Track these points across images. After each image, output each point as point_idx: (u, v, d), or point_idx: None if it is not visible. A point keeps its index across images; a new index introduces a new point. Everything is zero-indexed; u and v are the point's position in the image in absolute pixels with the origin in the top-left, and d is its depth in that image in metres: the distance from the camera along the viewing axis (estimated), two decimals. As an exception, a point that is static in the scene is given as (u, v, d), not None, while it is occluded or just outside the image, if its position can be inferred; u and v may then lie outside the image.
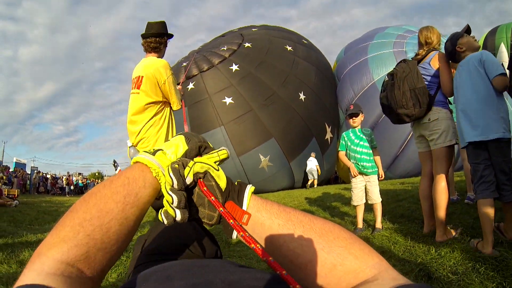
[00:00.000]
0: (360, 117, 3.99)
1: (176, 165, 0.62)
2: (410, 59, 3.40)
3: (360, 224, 3.83)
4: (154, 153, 0.67)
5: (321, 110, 12.38)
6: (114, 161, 4.64)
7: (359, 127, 4.02)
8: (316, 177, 12.12)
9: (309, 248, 0.58)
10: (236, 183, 0.68)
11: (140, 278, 0.61)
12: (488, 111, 2.58)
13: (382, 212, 3.82)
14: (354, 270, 0.55)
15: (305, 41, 15.11)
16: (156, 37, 3.21)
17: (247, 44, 12.63)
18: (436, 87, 3.16)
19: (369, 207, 3.91)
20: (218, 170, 0.65)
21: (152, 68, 3.06)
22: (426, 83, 3.16)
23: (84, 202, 0.59)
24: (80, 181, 27.75)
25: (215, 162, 0.69)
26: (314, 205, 6.20)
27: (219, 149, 0.73)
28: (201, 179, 0.63)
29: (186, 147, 0.70)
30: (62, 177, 27.47)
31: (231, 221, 0.59)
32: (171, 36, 3.38)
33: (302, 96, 11.89)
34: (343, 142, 4.05)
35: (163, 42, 3.28)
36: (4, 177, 12.97)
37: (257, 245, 0.55)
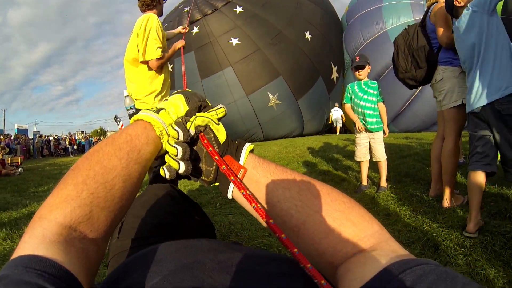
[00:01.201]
0: (367, 69, 3.76)
1: (180, 119, 0.63)
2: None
3: (364, 181, 3.75)
4: (157, 111, 0.65)
5: (327, 50, 12.31)
6: (116, 116, 4.64)
7: (366, 79, 3.79)
8: (341, 125, 14.26)
9: (304, 209, 0.55)
10: (236, 142, 0.68)
11: (125, 267, 0.60)
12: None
13: (387, 169, 3.74)
14: (352, 237, 0.52)
15: None
16: None
17: None
18: (438, 44, 2.97)
19: (373, 163, 3.82)
20: (218, 124, 0.65)
21: (138, 22, 3.12)
22: (432, 41, 2.99)
23: (87, 159, 0.56)
24: (82, 140, 27.62)
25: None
26: (317, 157, 6.15)
27: (217, 106, 0.72)
28: (202, 132, 0.64)
29: (187, 108, 0.68)
30: (65, 138, 27.44)
31: (232, 178, 0.60)
32: None
33: (308, 36, 11.78)
34: (348, 94, 3.87)
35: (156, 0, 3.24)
36: (6, 148, 12.79)
37: (258, 205, 0.57)
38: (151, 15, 3.12)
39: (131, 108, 3.25)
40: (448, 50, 2.89)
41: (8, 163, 10.62)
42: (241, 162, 0.63)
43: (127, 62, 3.22)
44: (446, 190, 2.87)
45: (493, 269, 1.81)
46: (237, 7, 11.49)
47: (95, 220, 0.52)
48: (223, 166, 0.61)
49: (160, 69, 3.22)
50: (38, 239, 0.46)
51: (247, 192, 0.59)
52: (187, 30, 3.49)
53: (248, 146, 0.65)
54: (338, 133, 13.63)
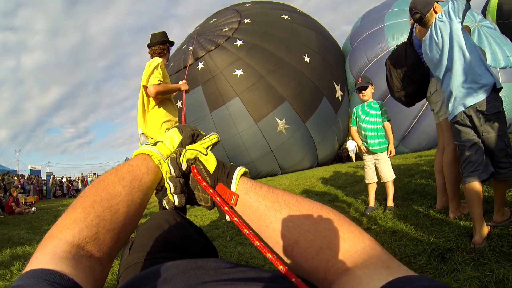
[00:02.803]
0: (370, 90, 3.89)
1: (174, 155, 0.70)
2: None
3: (371, 203, 3.75)
4: (154, 144, 0.75)
5: (327, 70, 12.58)
6: (127, 158, 4.76)
7: (370, 100, 3.88)
8: (354, 154, 17.77)
9: (295, 229, 0.58)
10: (229, 166, 0.71)
11: (136, 282, 0.63)
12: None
13: (394, 188, 3.73)
14: (343, 254, 0.54)
15: (298, 11, 15.48)
16: (160, 45, 3.66)
17: (246, 20, 12.95)
18: None
19: (382, 184, 3.82)
20: (206, 154, 0.70)
21: (147, 64, 3.44)
22: (421, 56, 3.07)
23: (93, 187, 0.63)
24: None
25: (207, 147, 0.78)
26: (327, 185, 6.16)
27: (210, 134, 0.82)
28: (193, 164, 0.69)
29: (180, 137, 0.78)
30: (77, 179, 27.97)
31: (226, 208, 0.64)
32: (172, 43, 3.86)
33: (307, 59, 12.10)
34: (354, 118, 3.98)
35: (166, 48, 3.71)
36: (19, 186, 13.13)
37: (249, 231, 0.61)
38: (157, 58, 3.48)
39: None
40: None
41: (22, 202, 10.82)
42: (233, 188, 0.66)
43: (141, 102, 3.49)
44: (451, 201, 2.85)
45: (502, 270, 1.79)
46: (237, 40, 11.96)
47: (101, 240, 0.57)
48: (217, 198, 0.66)
49: (162, 102, 3.48)
50: (49, 255, 0.50)
51: (239, 219, 0.63)
52: (186, 86, 3.77)
53: (239, 171, 0.68)
54: (354, 161, 15.16)
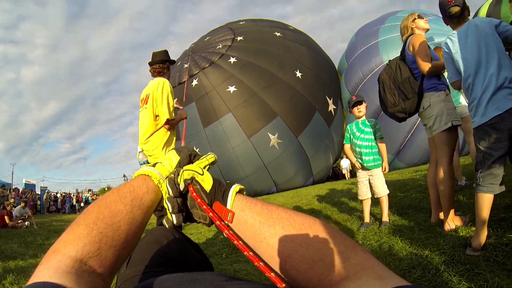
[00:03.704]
0: (364, 106, 3.94)
1: (172, 175, 0.74)
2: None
3: (366, 219, 3.76)
4: (154, 165, 0.79)
5: (319, 84, 12.84)
6: (124, 175, 4.78)
7: (364, 117, 3.96)
8: (348, 171, 19.90)
9: (288, 243, 0.59)
10: (225, 184, 0.75)
11: None
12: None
13: (389, 203, 3.73)
14: (335, 266, 0.54)
15: (291, 27, 15.85)
16: (160, 64, 3.73)
17: (239, 38, 13.26)
18: (420, 73, 3.09)
19: (376, 200, 3.83)
20: (202, 174, 0.74)
21: (155, 85, 3.53)
22: (414, 71, 3.12)
23: (96, 205, 0.65)
24: (90, 198, 27.81)
25: (204, 167, 0.82)
26: (323, 202, 6.15)
27: (207, 154, 0.86)
28: (190, 184, 0.73)
29: (178, 158, 0.82)
30: (72, 195, 27.66)
31: (217, 222, 0.68)
32: (173, 62, 3.95)
33: (298, 74, 12.38)
34: (348, 135, 4.02)
35: (166, 67, 3.78)
36: (12, 200, 13.00)
37: (239, 242, 0.65)
38: (165, 81, 3.60)
39: (144, 162, 3.48)
40: (431, 77, 3.00)
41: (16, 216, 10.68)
42: (228, 206, 0.69)
43: (146, 122, 3.55)
44: (446, 214, 2.87)
45: (496, 279, 1.79)
46: (231, 58, 12.26)
47: (103, 256, 0.58)
48: (210, 214, 0.70)
49: (172, 128, 3.60)
50: (53, 269, 0.51)
51: (230, 232, 0.67)
52: (187, 116, 3.95)
53: (234, 189, 0.71)
54: (348, 178, 16.31)
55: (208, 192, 0.72)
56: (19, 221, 9.98)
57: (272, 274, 0.59)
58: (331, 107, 12.80)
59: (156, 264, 0.99)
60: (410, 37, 3.17)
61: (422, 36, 3.09)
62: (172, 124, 3.52)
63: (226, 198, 0.70)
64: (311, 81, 12.56)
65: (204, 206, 0.70)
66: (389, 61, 3.41)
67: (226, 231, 0.67)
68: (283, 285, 0.55)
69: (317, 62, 13.56)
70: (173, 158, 0.82)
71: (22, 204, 11.01)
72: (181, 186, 0.73)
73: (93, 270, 0.56)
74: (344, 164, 21.85)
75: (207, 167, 0.85)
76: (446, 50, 2.65)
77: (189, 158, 0.85)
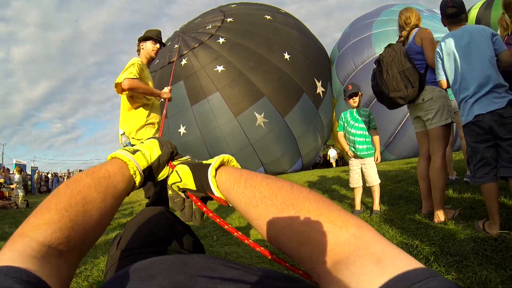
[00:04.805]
0: (360, 97, 3.94)
1: (172, 193, 0.82)
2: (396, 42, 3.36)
3: (358, 206, 3.81)
4: (134, 152, 0.76)
5: (307, 66, 12.85)
6: None
7: (359, 106, 3.96)
8: (334, 160, 22.56)
9: (272, 225, 0.56)
10: (202, 164, 0.75)
11: (121, 277, 0.63)
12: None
13: (380, 193, 3.77)
14: (324, 247, 0.48)
15: (282, 11, 15.81)
16: (138, 42, 3.58)
17: (229, 19, 13.26)
18: (425, 65, 3.13)
19: (368, 189, 3.87)
20: (181, 180, 0.75)
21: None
22: (416, 62, 3.12)
23: (68, 188, 0.62)
24: None
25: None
26: (314, 188, 6.15)
27: (186, 156, 0.87)
28: (189, 193, 0.77)
29: (160, 152, 0.80)
30: (64, 175, 27.48)
31: (211, 214, 0.71)
32: (159, 41, 3.60)
33: (286, 56, 12.38)
34: (341, 123, 4.02)
35: (141, 46, 3.56)
36: (2, 180, 12.83)
37: (228, 225, 0.68)
38: (135, 57, 3.41)
39: (127, 145, 3.37)
40: (434, 72, 3.01)
41: (6, 196, 10.62)
42: (215, 193, 0.69)
43: (123, 102, 3.42)
44: (436, 206, 2.92)
45: (485, 272, 1.83)
46: (220, 38, 12.27)
47: (71, 243, 0.56)
48: (210, 214, 0.74)
49: (145, 103, 3.40)
50: (18, 252, 0.49)
51: (218, 219, 0.72)
52: (171, 90, 3.70)
53: (211, 174, 0.70)
54: (334, 167, 17.27)
55: (196, 189, 0.73)
56: (9, 203, 9.88)
57: (260, 248, 0.62)
58: (320, 89, 12.84)
59: (147, 245, 0.99)
60: (417, 29, 3.17)
61: (430, 31, 3.10)
62: (134, 88, 3.17)
63: (210, 187, 0.69)
64: (299, 63, 12.60)
65: (205, 209, 0.73)
66: (391, 44, 3.33)
67: (218, 219, 0.69)
68: (270, 256, 0.57)
69: (306, 45, 13.60)
70: (155, 150, 0.80)
71: (17, 174, 10.87)
72: (182, 195, 0.79)
73: (60, 255, 0.54)
74: (332, 153, 24.59)
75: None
76: (438, 51, 2.80)
77: (170, 155, 0.84)
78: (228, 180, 0.67)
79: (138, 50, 3.57)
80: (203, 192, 0.72)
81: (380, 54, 3.33)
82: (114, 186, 0.67)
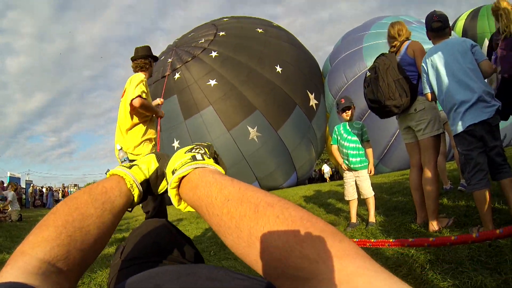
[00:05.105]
0: (352, 110, 3.99)
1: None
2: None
3: (353, 219, 3.82)
4: (130, 167, 0.77)
5: (300, 79, 12.95)
6: (108, 170, 4.65)
7: (352, 120, 4.01)
8: (328, 176, 24.25)
9: (243, 256, 0.49)
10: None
11: (127, 287, 0.63)
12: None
13: (375, 205, 3.80)
14: (293, 265, 0.41)
15: (274, 24, 15.99)
16: (142, 59, 3.69)
17: (221, 33, 13.39)
18: (417, 76, 3.18)
19: (363, 201, 3.89)
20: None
21: (131, 79, 3.50)
22: (408, 73, 3.18)
23: (66, 205, 0.63)
24: None
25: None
26: (310, 203, 6.21)
27: None
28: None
29: (157, 165, 0.81)
30: (58, 190, 27.20)
31: None
32: (156, 58, 3.89)
33: (278, 69, 12.49)
34: (335, 136, 4.06)
35: (148, 63, 3.73)
36: None
37: None
38: (140, 74, 3.57)
39: (124, 160, 3.37)
40: None
41: (0, 210, 10.48)
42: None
43: (123, 117, 3.50)
44: (431, 215, 2.94)
45: (480, 277, 1.85)
46: (212, 52, 12.40)
47: (71, 259, 0.57)
48: None
49: (145, 120, 3.51)
50: (20, 270, 0.50)
51: None
52: (162, 103, 4.01)
53: (170, 189, 0.66)
54: (328, 181, 18.54)
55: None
56: (3, 216, 9.79)
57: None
58: (313, 101, 12.90)
59: (149, 255, 0.99)
60: (408, 41, 3.27)
61: (420, 44, 3.20)
62: (144, 107, 3.33)
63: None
64: (291, 76, 12.71)
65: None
66: (385, 54, 3.38)
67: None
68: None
69: (298, 58, 13.72)
70: (152, 163, 0.81)
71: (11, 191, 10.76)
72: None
73: (60, 271, 0.55)
74: (326, 169, 26.42)
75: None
76: (423, 65, 2.92)
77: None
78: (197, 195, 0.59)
79: (142, 67, 3.67)
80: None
81: (375, 62, 3.36)
82: (112, 201, 0.68)
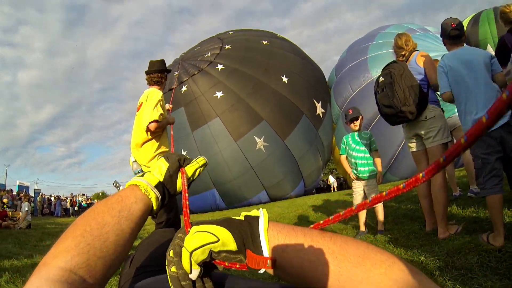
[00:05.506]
0: (360, 120, 4.00)
1: (173, 270, 0.57)
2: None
3: (362, 227, 3.82)
4: (142, 175, 0.79)
5: (306, 88, 13.05)
6: (115, 182, 4.71)
7: (360, 130, 4.04)
8: (335, 186, 25.68)
9: (347, 281, 0.52)
10: (247, 221, 0.59)
11: None
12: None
13: (384, 213, 3.79)
14: None
15: (279, 36, 16.19)
16: (158, 73, 3.71)
17: (227, 46, 13.59)
18: (427, 85, 3.20)
19: (372, 210, 3.88)
20: (218, 240, 0.55)
21: (148, 94, 3.51)
22: (419, 82, 3.20)
23: (84, 217, 0.65)
24: (83, 202, 27.75)
25: (196, 169, 0.87)
26: (318, 212, 6.22)
27: (197, 157, 0.88)
28: (216, 260, 0.57)
29: (167, 164, 0.82)
30: (66, 199, 27.44)
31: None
32: (169, 71, 3.93)
33: (284, 79, 12.62)
34: (343, 146, 4.08)
35: (164, 77, 3.77)
36: (6, 200, 12.94)
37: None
38: (157, 91, 3.56)
39: (138, 172, 3.43)
40: (435, 93, 3.22)
41: (9, 216, 10.60)
42: (265, 253, 0.55)
43: (138, 131, 3.52)
44: (440, 222, 2.93)
45: (490, 283, 1.84)
46: (218, 65, 12.59)
47: (92, 267, 0.58)
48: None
49: (158, 134, 3.53)
50: (44, 279, 0.52)
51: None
52: (171, 108, 4.08)
53: (263, 228, 0.57)
54: (336, 191, 19.90)
55: (236, 250, 0.56)
56: (12, 223, 9.96)
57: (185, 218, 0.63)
58: (319, 110, 12.95)
59: (158, 264, 1.00)
60: (417, 52, 3.33)
61: (429, 55, 3.29)
62: (156, 127, 3.38)
63: (259, 244, 0.56)
64: (297, 86, 12.81)
65: (238, 266, 0.57)
66: (396, 61, 3.38)
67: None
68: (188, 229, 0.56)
69: (304, 67, 13.84)
70: (163, 165, 0.83)
71: (25, 202, 10.95)
72: (195, 273, 0.56)
73: (84, 280, 0.57)
74: (332, 179, 27.67)
75: (198, 171, 0.88)
76: (442, 65, 2.92)
77: (179, 163, 0.86)
78: (282, 236, 0.57)
79: (157, 81, 3.71)
80: (243, 254, 0.56)
81: (388, 68, 3.33)
82: (128, 208, 0.69)
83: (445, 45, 3.09)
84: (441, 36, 3.11)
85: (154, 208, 0.77)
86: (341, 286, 0.51)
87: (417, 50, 3.37)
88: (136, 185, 0.76)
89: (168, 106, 3.99)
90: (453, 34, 2.96)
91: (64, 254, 0.57)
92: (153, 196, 0.75)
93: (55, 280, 0.52)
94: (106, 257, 0.61)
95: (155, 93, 3.50)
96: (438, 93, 3.12)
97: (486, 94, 2.64)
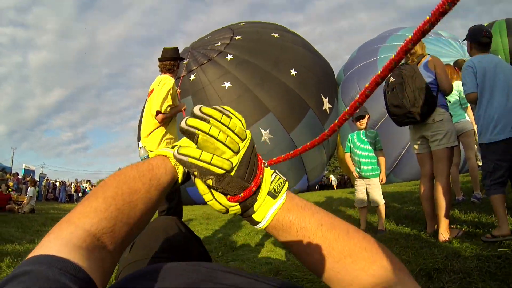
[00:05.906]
0: (367, 119, 3.99)
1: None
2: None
3: (363, 226, 3.83)
4: (172, 147, 0.73)
5: (314, 83, 13.04)
6: (119, 169, 4.76)
7: (366, 128, 4.04)
8: (335, 184, 27.77)
9: (326, 269, 0.61)
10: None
11: (132, 278, 0.63)
12: None
13: (386, 213, 3.79)
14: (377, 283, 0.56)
15: (290, 30, 16.18)
16: (171, 61, 3.74)
17: (237, 37, 13.61)
18: (436, 89, 3.18)
19: (374, 209, 3.89)
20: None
21: (160, 81, 3.57)
22: (429, 85, 3.19)
23: (114, 179, 0.62)
24: (88, 188, 27.93)
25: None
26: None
27: None
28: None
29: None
30: (71, 184, 27.59)
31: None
32: (182, 59, 3.99)
33: (293, 72, 12.60)
34: (348, 144, 4.08)
35: (176, 65, 3.81)
36: (11, 183, 13.10)
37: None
38: (170, 79, 3.61)
39: (145, 158, 3.46)
40: (444, 96, 3.24)
41: (14, 200, 10.75)
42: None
43: (148, 117, 3.59)
44: (441, 225, 2.93)
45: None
46: (228, 55, 12.60)
47: (116, 233, 0.56)
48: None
49: (166, 122, 3.59)
50: (64, 241, 0.48)
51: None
52: (179, 92, 4.12)
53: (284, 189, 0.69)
54: (335, 188, 22.13)
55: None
56: (16, 207, 10.09)
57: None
58: (327, 105, 12.95)
59: (159, 251, 1.00)
60: (428, 56, 3.32)
61: (440, 60, 3.31)
62: (163, 118, 3.49)
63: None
64: (306, 80, 12.79)
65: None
66: (408, 63, 3.37)
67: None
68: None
69: (313, 62, 13.81)
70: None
71: (31, 187, 11.08)
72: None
73: (104, 246, 0.54)
74: (333, 178, 29.68)
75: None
76: (471, 65, 3.04)
77: None
78: (295, 201, 0.68)
79: (170, 69, 3.74)
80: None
81: (399, 69, 3.31)
82: (158, 178, 0.66)
83: (470, 49, 3.18)
84: (468, 40, 3.17)
85: (177, 183, 0.74)
86: (319, 268, 0.61)
87: (428, 54, 3.36)
88: (166, 156, 0.71)
89: (177, 90, 4.00)
90: (484, 42, 3.10)
91: (92, 215, 0.53)
92: (181, 171, 0.72)
93: (77, 245, 0.48)
94: (131, 224, 0.59)
95: (167, 81, 3.52)
96: (447, 97, 3.16)
97: (505, 101, 2.82)
